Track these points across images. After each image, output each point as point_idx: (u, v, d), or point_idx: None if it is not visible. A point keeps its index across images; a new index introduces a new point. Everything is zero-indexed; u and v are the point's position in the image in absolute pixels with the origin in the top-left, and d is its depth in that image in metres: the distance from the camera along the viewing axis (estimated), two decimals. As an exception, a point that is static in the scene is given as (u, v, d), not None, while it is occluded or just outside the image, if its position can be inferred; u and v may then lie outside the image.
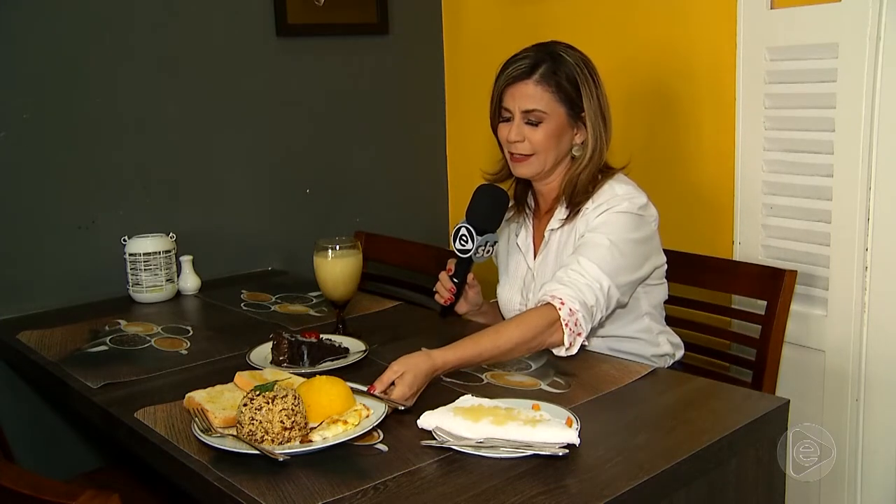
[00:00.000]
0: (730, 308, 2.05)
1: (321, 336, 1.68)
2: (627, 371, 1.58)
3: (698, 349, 1.98)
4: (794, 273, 1.84)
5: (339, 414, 1.31)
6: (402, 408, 1.37)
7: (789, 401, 1.44)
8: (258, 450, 1.22)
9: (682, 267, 1.92)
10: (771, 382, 1.84)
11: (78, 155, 2.19)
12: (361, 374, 1.54)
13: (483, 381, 1.55)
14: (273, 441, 1.24)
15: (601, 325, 1.69)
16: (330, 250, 1.80)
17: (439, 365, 1.44)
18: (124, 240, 2.21)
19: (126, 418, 1.43)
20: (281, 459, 1.20)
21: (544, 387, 1.51)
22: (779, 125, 1.99)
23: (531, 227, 1.87)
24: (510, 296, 1.88)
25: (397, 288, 2.49)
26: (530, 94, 1.69)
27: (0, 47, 2.06)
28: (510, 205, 1.85)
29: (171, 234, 2.26)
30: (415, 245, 2.49)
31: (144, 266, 2.18)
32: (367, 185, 2.75)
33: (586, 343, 1.61)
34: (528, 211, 1.88)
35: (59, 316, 2.06)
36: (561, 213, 1.77)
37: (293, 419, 1.25)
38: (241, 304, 2.15)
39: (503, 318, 1.92)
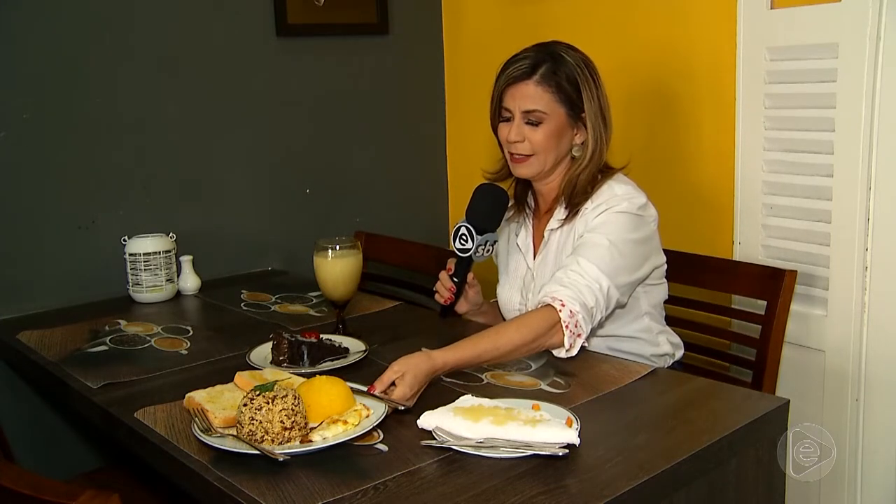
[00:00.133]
0: (730, 308, 2.05)
1: (321, 336, 1.68)
2: (627, 371, 1.58)
3: (698, 349, 1.98)
4: (794, 273, 1.84)
5: (339, 414, 1.31)
6: (403, 408, 1.37)
7: (789, 401, 1.44)
8: (258, 450, 1.22)
9: (682, 267, 1.92)
10: (771, 382, 1.84)
11: (78, 155, 2.19)
12: (361, 374, 1.54)
13: (483, 381, 1.55)
14: (273, 441, 1.24)
15: (601, 325, 1.69)
16: (330, 250, 1.80)
17: (439, 365, 1.44)
18: (124, 240, 2.21)
19: (126, 418, 1.43)
20: (281, 459, 1.20)
21: (544, 387, 1.51)
22: (779, 125, 1.99)
23: (531, 227, 1.87)
24: (510, 295, 1.88)
25: (397, 288, 2.49)
26: (530, 95, 1.69)
27: (0, 47, 2.06)
28: (510, 204, 1.85)
29: (171, 234, 2.26)
30: (415, 245, 2.49)
31: (144, 266, 2.18)
32: (367, 185, 2.75)
33: (586, 344, 1.61)
34: (528, 211, 1.88)
35: (59, 316, 2.07)
36: (560, 213, 1.77)
37: (293, 419, 1.25)
38: (241, 304, 2.15)
39: (503, 318, 1.92)
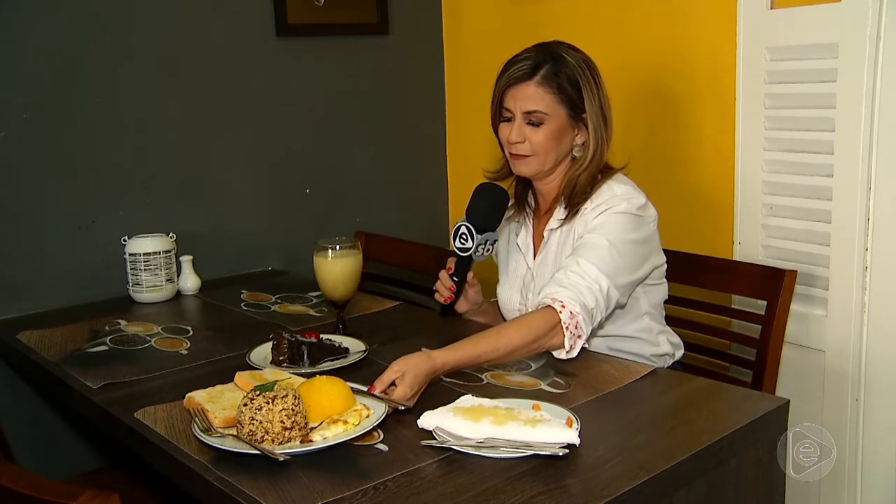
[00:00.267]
0: (730, 308, 2.05)
1: (321, 336, 1.68)
2: (627, 371, 1.58)
3: (698, 349, 1.98)
4: (794, 273, 1.84)
5: (339, 414, 1.31)
6: (403, 408, 1.37)
7: (789, 401, 1.44)
8: (258, 450, 1.22)
9: (682, 267, 1.92)
10: (771, 382, 1.84)
11: (78, 155, 2.19)
12: (361, 374, 1.54)
13: (483, 381, 1.55)
14: (273, 441, 1.24)
15: (601, 325, 1.69)
16: (330, 250, 1.80)
17: (439, 366, 1.44)
18: (124, 240, 2.21)
19: (126, 418, 1.43)
20: (281, 459, 1.20)
21: (544, 387, 1.51)
22: (779, 125, 1.99)
23: (531, 227, 1.87)
24: (510, 295, 1.88)
25: (397, 288, 2.49)
26: (531, 96, 1.69)
27: (0, 47, 2.06)
28: (510, 204, 1.85)
29: (171, 234, 2.26)
30: (415, 245, 2.49)
31: (144, 266, 2.18)
32: (367, 185, 2.75)
33: (586, 344, 1.61)
34: (528, 210, 1.88)
35: (59, 316, 2.06)
36: (560, 213, 1.77)
37: (293, 419, 1.25)
38: (241, 304, 2.15)
39: (503, 318, 1.92)
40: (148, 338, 1.89)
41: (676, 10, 2.19)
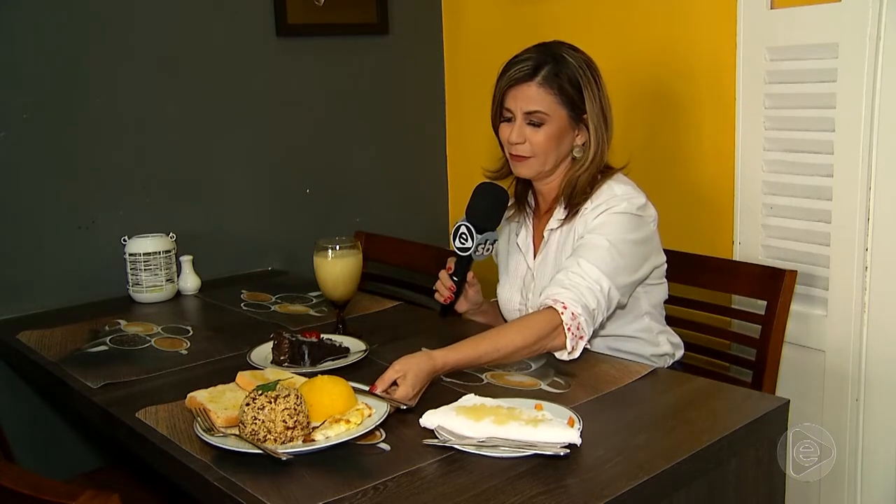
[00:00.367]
0: (730, 308, 2.05)
1: (322, 336, 1.68)
2: (627, 371, 1.58)
3: (698, 349, 1.98)
4: (794, 273, 1.84)
5: (341, 413, 1.31)
6: (405, 407, 1.37)
7: (789, 401, 1.44)
8: (261, 449, 1.22)
9: (682, 267, 1.92)
10: (771, 382, 1.84)
11: (78, 155, 2.19)
12: (362, 373, 1.54)
13: (483, 381, 1.55)
14: (276, 440, 1.24)
15: (602, 325, 1.69)
16: (330, 250, 1.80)
17: (439, 366, 1.44)
18: (124, 240, 2.21)
19: (126, 418, 1.43)
20: (284, 458, 1.20)
21: (544, 387, 1.51)
22: (779, 125, 1.99)
23: (531, 227, 1.87)
24: (510, 295, 1.88)
25: (397, 288, 2.49)
26: (532, 97, 1.69)
27: (0, 47, 2.06)
28: (510, 203, 1.85)
29: (171, 234, 2.26)
30: (415, 245, 2.49)
31: (144, 266, 2.18)
32: (367, 185, 2.75)
33: (588, 345, 1.61)
34: (528, 210, 1.88)
35: (59, 316, 2.06)
36: (560, 213, 1.77)
37: (296, 418, 1.25)
38: (241, 304, 2.15)
39: (503, 318, 1.92)
40: (148, 338, 1.89)
41: (676, 10, 2.19)
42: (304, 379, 1.42)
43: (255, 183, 2.52)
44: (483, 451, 1.23)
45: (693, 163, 2.22)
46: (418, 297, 2.36)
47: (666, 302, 1.86)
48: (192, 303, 2.23)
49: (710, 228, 2.18)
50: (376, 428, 1.31)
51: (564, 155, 1.76)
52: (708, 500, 1.30)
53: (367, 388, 1.40)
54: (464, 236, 1.74)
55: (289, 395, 1.26)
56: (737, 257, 2.10)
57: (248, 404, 1.26)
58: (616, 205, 1.68)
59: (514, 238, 1.90)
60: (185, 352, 1.79)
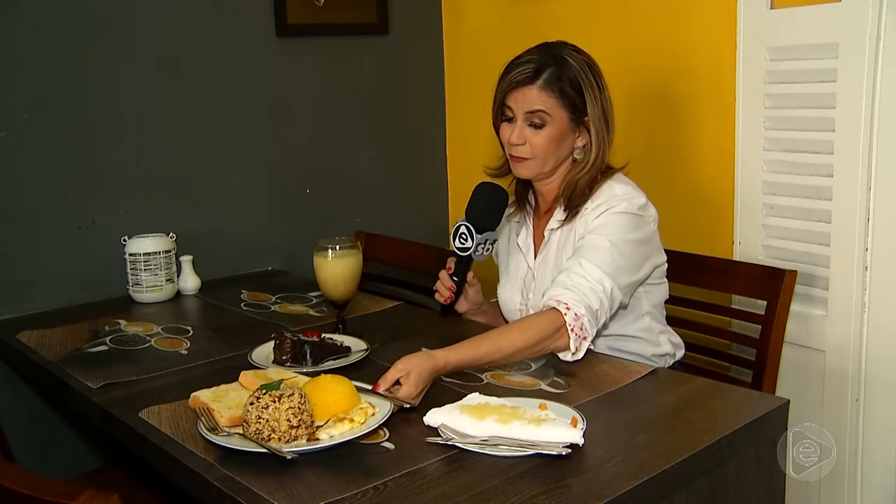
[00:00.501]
0: (730, 308, 2.05)
1: (323, 335, 1.68)
2: (627, 371, 1.58)
3: (698, 349, 1.98)
4: (794, 273, 1.84)
5: (344, 412, 1.31)
6: (408, 405, 1.37)
7: (789, 401, 1.44)
8: (265, 448, 1.22)
9: (682, 267, 1.92)
10: (771, 382, 1.84)
11: (78, 155, 2.19)
12: (362, 373, 1.54)
13: (483, 381, 1.55)
14: (280, 439, 1.24)
15: (604, 326, 1.69)
16: (330, 250, 1.80)
17: (441, 365, 1.44)
18: (124, 240, 2.21)
19: (126, 418, 1.43)
20: (289, 457, 1.20)
21: (544, 387, 1.51)
22: (779, 125, 1.99)
23: (531, 227, 1.87)
24: (510, 295, 1.88)
25: (397, 288, 2.49)
26: (533, 99, 1.69)
27: (0, 47, 2.06)
28: (510, 202, 1.85)
29: (171, 234, 2.26)
30: (415, 245, 2.49)
31: (144, 266, 2.18)
32: (367, 185, 2.75)
33: (592, 346, 1.61)
34: (528, 209, 1.88)
35: (59, 316, 2.06)
36: (559, 214, 1.77)
37: (300, 417, 1.26)
38: (241, 304, 2.15)
39: (503, 318, 1.92)
40: (148, 338, 1.89)
41: (676, 10, 2.19)
42: (307, 378, 1.42)
43: (255, 183, 2.52)
44: (485, 450, 1.23)
45: (693, 163, 2.22)
46: (418, 297, 2.36)
47: (666, 302, 1.86)
48: (192, 303, 2.23)
49: (710, 228, 2.18)
50: (380, 427, 1.31)
51: (565, 156, 1.76)
52: (708, 500, 1.30)
53: (370, 387, 1.40)
54: (464, 236, 1.74)
55: (293, 394, 1.26)
56: (737, 257, 2.10)
57: (251, 403, 1.26)
58: (616, 205, 1.68)
59: (515, 238, 1.90)
60: (185, 352, 1.79)
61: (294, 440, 1.25)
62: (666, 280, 1.83)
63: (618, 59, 2.25)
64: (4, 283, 2.10)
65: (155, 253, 2.18)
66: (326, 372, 1.46)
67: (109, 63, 2.22)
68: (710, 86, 2.14)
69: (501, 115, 1.76)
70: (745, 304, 2.00)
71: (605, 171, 1.76)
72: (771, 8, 1.97)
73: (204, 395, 1.40)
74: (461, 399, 1.35)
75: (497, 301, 1.95)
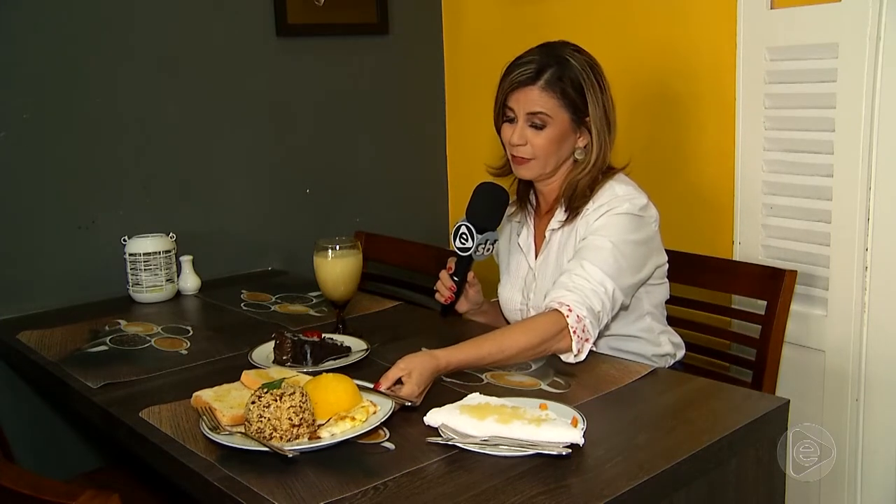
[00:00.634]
0: (730, 308, 2.05)
1: (323, 335, 1.68)
2: (627, 371, 1.58)
3: (698, 349, 1.98)
4: (794, 273, 1.84)
5: (346, 411, 1.31)
6: (410, 403, 1.37)
7: (789, 401, 1.44)
8: (267, 447, 1.22)
9: (682, 267, 1.92)
10: (771, 382, 1.84)
11: (78, 155, 2.19)
12: (363, 373, 1.54)
13: (483, 381, 1.55)
14: (282, 438, 1.24)
15: (607, 326, 1.69)
16: (330, 250, 1.80)
17: (443, 365, 1.44)
18: (124, 240, 2.21)
19: (126, 418, 1.43)
20: (290, 455, 1.20)
21: (544, 387, 1.51)
22: (779, 125, 1.99)
23: (532, 226, 1.87)
24: (511, 295, 1.88)
25: (397, 288, 2.49)
26: (535, 100, 1.68)
27: (0, 47, 2.06)
28: (512, 202, 1.85)
29: (171, 234, 2.26)
30: (415, 245, 2.49)
31: (144, 266, 2.18)
32: (367, 185, 2.75)
33: (594, 347, 1.61)
34: (529, 209, 1.88)
35: (59, 316, 2.06)
36: (560, 214, 1.77)
37: (301, 416, 1.26)
38: (241, 304, 2.15)
39: (504, 318, 1.93)
40: (148, 338, 1.89)
41: (676, 10, 2.19)
42: (308, 377, 1.42)
43: (255, 183, 2.52)
44: (486, 450, 1.24)
45: (693, 163, 2.22)
46: (418, 297, 2.36)
47: (666, 302, 1.86)
48: (192, 303, 2.23)
49: (710, 228, 2.19)
50: (381, 427, 1.31)
51: (566, 157, 1.75)
52: (708, 500, 1.30)
53: (371, 386, 1.40)
54: (464, 236, 1.74)
55: (294, 392, 1.27)
56: (737, 257, 2.10)
57: (253, 402, 1.26)
58: (618, 206, 1.68)
59: (516, 238, 1.90)
60: (185, 352, 1.79)
61: (296, 439, 1.25)
62: (667, 280, 1.83)
63: (618, 60, 2.25)
64: (4, 283, 2.10)
65: (155, 253, 2.18)
66: (327, 372, 1.46)
67: (109, 63, 2.22)
68: (710, 86, 2.14)
69: (503, 115, 1.76)
70: (745, 304, 2.00)
71: (606, 172, 1.76)
72: (771, 8, 1.97)
73: (206, 395, 1.40)
74: (461, 399, 1.35)
75: (497, 301, 1.95)
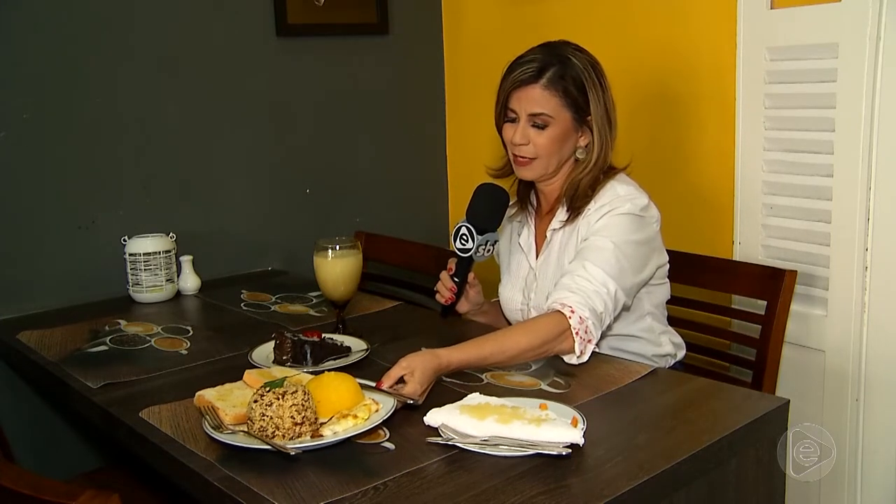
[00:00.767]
0: (730, 308, 2.05)
1: (323, 335, 1.68)
2: (627, 371, 1.58)
3: (698, 349, 1.98)
4: (794, 273, 1.84)
5: (348, 409, 1.32)
6: (412, 401, 1.37)
7: (789, 401, 1.44)
8: (270, 445, 1.22)
9: (682, 267, 1.92)
10: (771, 382, 1.84)
11: (78, 155, 2.19)
12: (363, 373, 1.53)
13: (483, 381, 1.55)
14: (284, 436, 1.25)
15: (609, 327, 1.69)
16: (330, 250, 1.80)
17: (444, 364, 1.44)
18: (124, 240, 2.21)
19: (126, 418, 1.43)
20: (293, 454, 1.20)
21: (544, 387, 1.51)
22: (779, 125, 1.99)
23: (533, 226, 1.87)
24: (511, 295, 1.88)
25: (397, 288, 2.49)
26: (537, 99, 1.68)
27: (0, 47, 2.06)
28: (512, 202, 1.85)
29: (171, 234, 2.26)
30: (415, 245, 2.49)
31: (144, 266, 2.18)
32: (367, 185, 2.75)
33: (596, 348, 1.61)
34: (530, 209, 1.88)
35: (59, 316, 2.06)
36: (562, 214, 1.77)
37: (303, 414, 1.26)
38: (241, 304, 2.15)
39: (504, 318, 1.93)
40: (148, 338, 1.89)
41: (676, 10, 2.19)
42: (310, 376, 1.43)
43: (255, 183, 2.52)
44: (486, 450, 1.24)
45: (693, 163, 2.22)
46: (418, 297, 2.36)
47: (667, 302, 1.86)
48: (192, 303, 2.23)
49: (710, 228, 2.19)
50: (381, 426, 1.31)
51: (567, 156, 1.75)
52: (708, 500, 1.30)
53: (373, 385, 1.40)
54: (464, 237, 1.74)
55: (296, 391, 1.27)
56: (737, 257, 2.10)
57: (256, 401, 1.27)
58: (619, 206, 1.68)
59: (517, 238, 1.90)
60: (185, 352, 1.79)
61: (298, 437, 1.25)
62: (668, 280, 1.83)
63: (618, 60, 2.24)
64: (4, 283, 2.10)
65: (155, 253, 2.18)
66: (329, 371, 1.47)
67: (109, 63, 2.22)
68: (710, 86, 2.14)
69: (504, 115, 1.75)
70: (745, 304, 2.00)
71: (607, 171, 1.76)
72: (771, 8, 1.97)
73: (209, 394, 1.41)
74: (461, 399, 1.35)
75: (498, 301, 1.95)
